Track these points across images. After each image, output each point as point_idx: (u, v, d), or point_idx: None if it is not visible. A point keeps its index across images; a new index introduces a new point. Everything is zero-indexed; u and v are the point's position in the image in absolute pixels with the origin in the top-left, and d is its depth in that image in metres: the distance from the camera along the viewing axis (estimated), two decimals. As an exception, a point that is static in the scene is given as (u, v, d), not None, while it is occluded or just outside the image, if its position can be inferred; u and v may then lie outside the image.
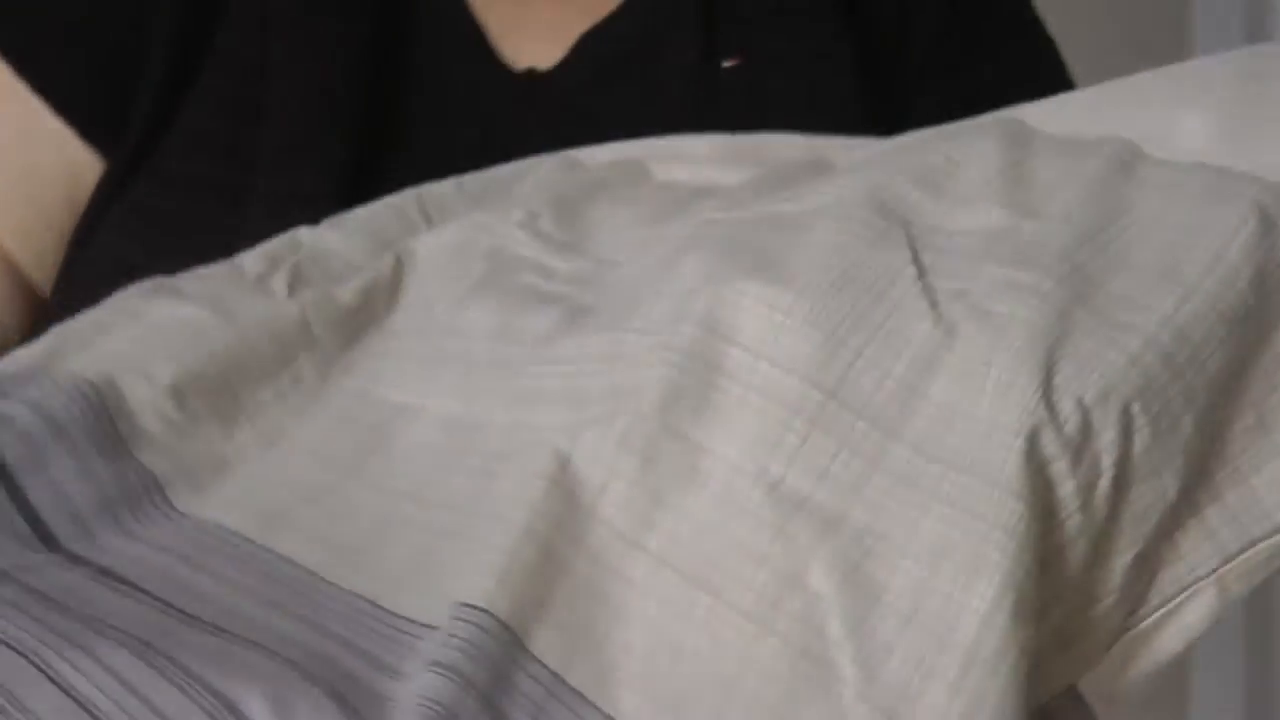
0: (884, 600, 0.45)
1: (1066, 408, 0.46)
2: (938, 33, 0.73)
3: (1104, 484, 0.47)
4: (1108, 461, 0.47)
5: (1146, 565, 0.49)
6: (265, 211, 0.66)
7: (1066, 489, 0.47)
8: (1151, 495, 0.48)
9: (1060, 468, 0.47)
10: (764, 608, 0.46)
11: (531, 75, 0.74)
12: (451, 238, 0.58)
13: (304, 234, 0.60)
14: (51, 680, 0.43)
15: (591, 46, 0.74)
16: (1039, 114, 0.58)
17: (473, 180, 0.64)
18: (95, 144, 0.70)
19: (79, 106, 0.70)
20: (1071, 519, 0.47)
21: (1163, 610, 0.49)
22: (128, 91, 0.70)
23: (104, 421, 0.52)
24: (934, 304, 0.49)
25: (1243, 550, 0.49)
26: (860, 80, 0.70)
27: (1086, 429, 0.47)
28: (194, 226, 0.62)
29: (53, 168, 0.70)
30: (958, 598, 0.45)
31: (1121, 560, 0.48)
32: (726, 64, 0.70)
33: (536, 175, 0.62)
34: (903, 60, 0.72)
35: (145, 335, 0.54)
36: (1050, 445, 0.46)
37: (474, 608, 0.45)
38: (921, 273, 0.50)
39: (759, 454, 0.47)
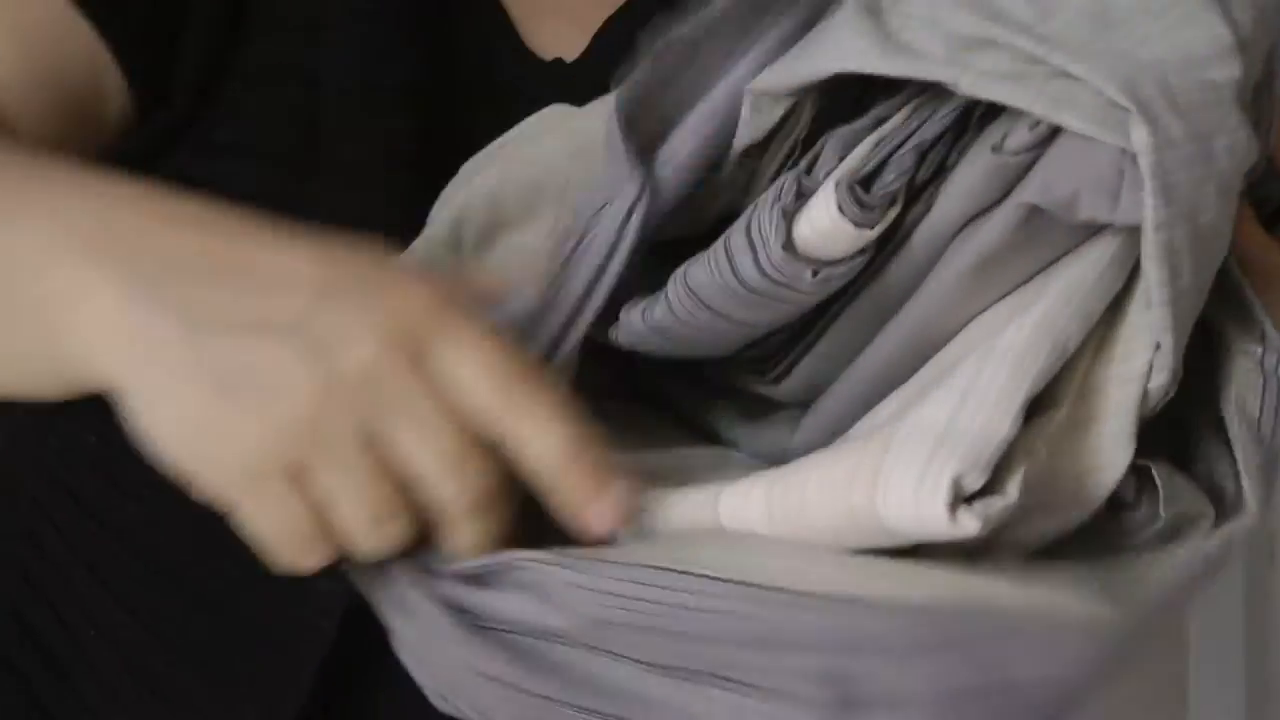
0: None
1: None
2: None
3: None
4: None
5: None
6: (332, 184, 0.65)
7: None
8: None
9: None
10: None
11: (560, 64, 0.75)
12: None
13: None
14: None
15: (614, 32, 0.75)
16: None
17: None
18: (130, 75, 0.68)
19: (120, 29, 0.68)
20: None
21: None
22: (172, 40, 0.68)
23: None
24: None
25: None
26: None
27: None
28: (259, 197, 0.58)
29: (78, 60, 0.67)
30: None
31: None
32: None
33: None
34: None
35: None
36: None
37: None
38: None
39: None
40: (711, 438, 0.62)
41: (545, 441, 0.48)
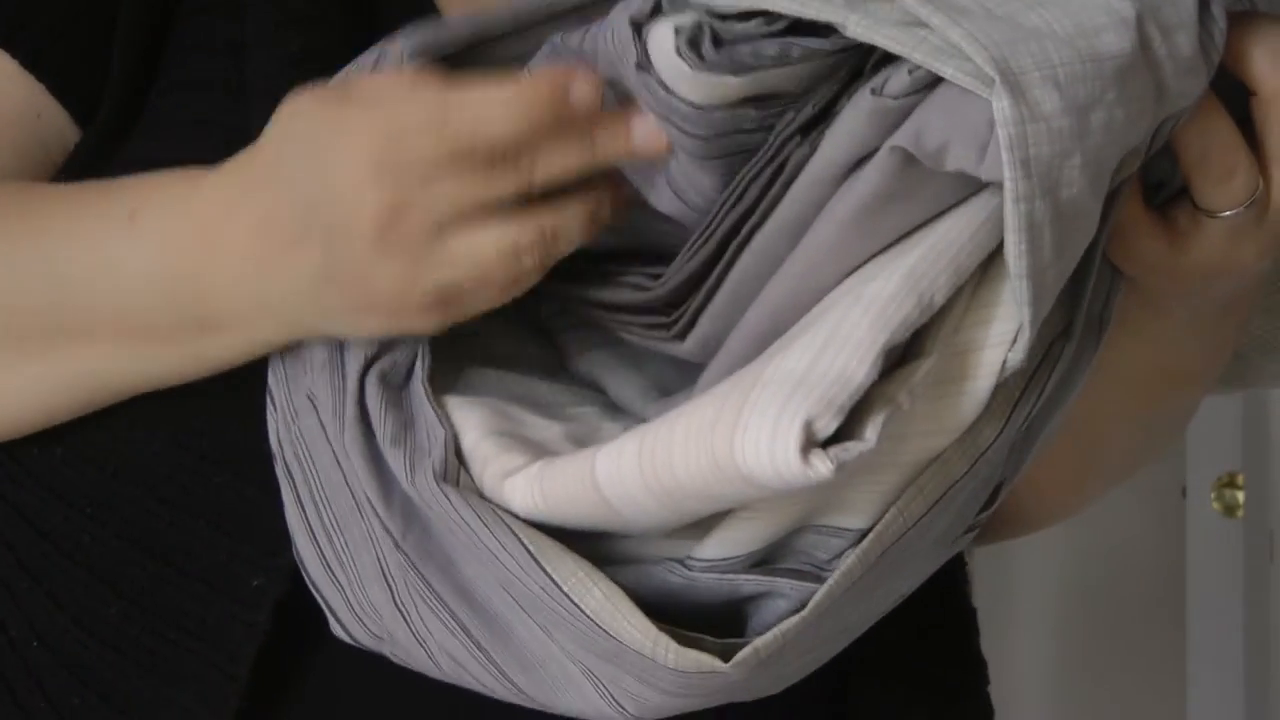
0: None
1: None
2: None
3: None
4: None
5: None
6: None
7: None
8: None
9: None
10: None
11: None
12: None
13: None
14: None
15: None
16: None
17: None
18: (67, 106, 0.69)
19: (51, 67, 0.69)
20: None
21: None
22: (99, 61, 0.69)
23: None
24: None
25: None
26: None
27: None
28: None
29: (18, 106, 0.69)
30: None
31: None
32: None
33: None
34: None
35: None
36: None
37: None
38: None
39: None
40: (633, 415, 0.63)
41: (555, 153, 0.53)
